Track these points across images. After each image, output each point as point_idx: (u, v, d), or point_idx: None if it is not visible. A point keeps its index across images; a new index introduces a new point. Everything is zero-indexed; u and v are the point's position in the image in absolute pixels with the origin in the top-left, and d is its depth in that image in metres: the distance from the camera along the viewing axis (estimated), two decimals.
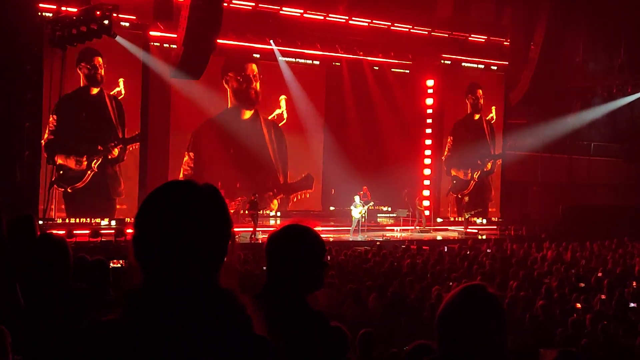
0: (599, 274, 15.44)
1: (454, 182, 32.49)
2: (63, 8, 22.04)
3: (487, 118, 32.99)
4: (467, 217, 30.31)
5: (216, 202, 2.21)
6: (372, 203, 26.90)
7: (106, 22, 19.84)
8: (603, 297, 12.30)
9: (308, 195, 31.39)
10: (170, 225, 2.11)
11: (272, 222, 28.91)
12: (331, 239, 23.62)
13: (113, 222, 24.14)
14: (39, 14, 22.46)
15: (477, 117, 32.79)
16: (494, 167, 33.13)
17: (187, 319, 2.06)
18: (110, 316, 2.14)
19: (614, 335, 10.02)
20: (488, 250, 20.42)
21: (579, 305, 11.77)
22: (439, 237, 27.18)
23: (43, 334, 4.29)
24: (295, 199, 31.08)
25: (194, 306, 2.08)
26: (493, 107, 33.02)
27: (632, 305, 12.06)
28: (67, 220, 23.53)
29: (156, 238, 2.11)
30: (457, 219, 31.59)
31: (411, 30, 30.51)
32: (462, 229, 29.39)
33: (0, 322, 3.79)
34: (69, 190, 24.03)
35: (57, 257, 4.54)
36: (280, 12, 27.77)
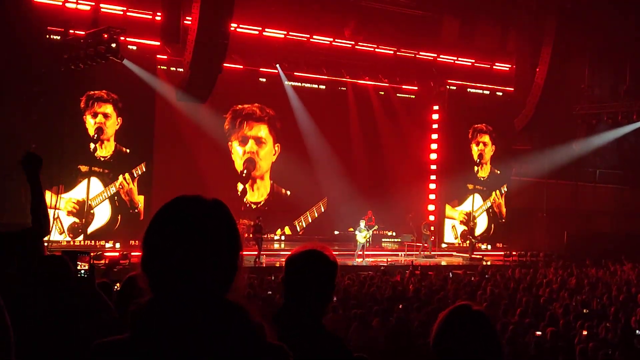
0: (604, 301, 15.37)
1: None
2: (71, 31, 22.20)
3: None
4: (473, 242, 30.23)
5: (224, 217, 2.20)
6: (376, 227, 26.89)
7: (113, 45, 19.97)
8: (608, 324, 12.22)
9: (316, 214, 31.43)
10: (179, 241, 2.10)
11: (276, 245, 28.88)
12: None
13: (117, 245, 24.09)
14: (47, 36, 22.67)
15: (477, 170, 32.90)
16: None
17: (197, 335, 2.05)
18: (118, 336, 2.13)
19: None
20: (487, 276, 20.34)
21: (584, 332, 11.69)
22: (443, 263, 27.09)
23: (42, 353, 4.29)
24: (301, 222, 31.14)
25: (203, 322, 2.07)
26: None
27: (638, 332, 11.98)
28: (71, 242, 23.54)
29: (164, 254, 2.11)
30: (462, 244, 31.50)
31: (417, 56, 30.63)
32: (467, 255, 29.29)
33: None
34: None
35: (58, 277, 4.55)
36: (287, 36, 27.90)
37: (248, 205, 29.52)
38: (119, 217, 24.93)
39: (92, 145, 24.44)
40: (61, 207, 23.53)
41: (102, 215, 24.73)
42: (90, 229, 24.46)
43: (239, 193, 29.56)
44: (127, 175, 25.04)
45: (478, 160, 32.74)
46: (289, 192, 30.54)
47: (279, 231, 30.19)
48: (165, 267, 2.10)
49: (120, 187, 24.96)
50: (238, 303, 2.14)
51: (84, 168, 24.29)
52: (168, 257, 2.10)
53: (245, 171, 29.63)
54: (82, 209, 24.23)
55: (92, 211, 24.49)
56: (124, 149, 24.94)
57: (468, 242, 30.48)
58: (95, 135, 24.39)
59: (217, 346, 2.06)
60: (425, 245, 28.88)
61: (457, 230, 32.13)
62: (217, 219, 2.18)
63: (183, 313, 2.07)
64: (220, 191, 27.80)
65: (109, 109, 24.56)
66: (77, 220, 24.16)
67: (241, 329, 2.10)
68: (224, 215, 2.20)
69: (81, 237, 24.15)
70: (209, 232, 2.13)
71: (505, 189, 33.30)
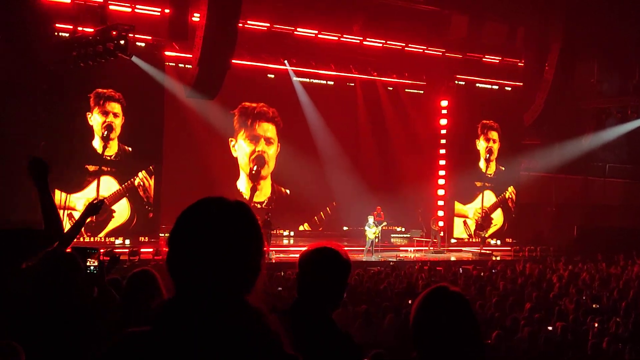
0: (615, 296, 15.32)
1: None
2: (79, 28, 22.23)
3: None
4: (483, 235, 30.18)
5: (247, 218, 2.24)
6: (385, 223, 26.88)
7: (122, 42, 19.97)
8: (618, 319, 12.18)
9: (323, 216, 31.43)
10: (203, 242, 2.15)
11: (285, 241, 28.90)
12: None
13: (127, 241, 24.13)
14: (56, 33, 22.70)
15: (484, 167, 32.88)
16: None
17: (218, 336, 2.09)
18: (142, 328, 2.17)
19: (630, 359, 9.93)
20: (494, 271, 20.30)
21: (596, 327, 11.67)
22: (452, 258, 27.06)
23: (53, 348, 4.30)
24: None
25: (224, 324, 2.11)
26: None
27: None
28: (81, 239, 23.59)
29: (189, 255, 2.16)
30: (471, 240, 31.45)
31: (425, 51, 30.57)
32: (477, 250, 29.25)
33: (12, 337, 3.80)
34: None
35: (66, 272, 4.57)
36: (295, 32, 27.89)
37: (252, 205, 29.39)
38: (136, 214, 24.98)
39: (100, 144, 24.40)
40: (78, 207, 23.48)
41: (121, 212, 24.77)
42: (109, 227, 24.49)
43: (247, 191, 29.57)
44: (144, 172, 25.04)
45: (487, 155, 32.66)
46: (288, 191, 30.43)
47: (286, 231, 30.13)
48: (189, 267, 2.16)
49: (139, 184, 24.98)
50: (258, 309, 2.19)
51: (91, 167, 24.25)
52: (192, 257, 2.15)
53: (255, 168, 29.60)
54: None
55: (112, 210, 24.51)
56: (127, 147, 24.79)
57: (479, 238, 30.45)
58: (105, 133, 24.36)
59: (234, 349, 2.09)
60: (435, 240, 28.87)
61: (470, 227, 32.04)
62: (240, 220, 2.22)
63: (204, 312, 2.11)
64: (229, 189, 27.87)
65: (117, 107, 24.54)
66: (94, 218, 24.16)
67: (259, 335, 2.13)
68: (247, 217, 2.25)
69: (103, 233, 24.19)
70: (232, 234, 2.18)
71: (516, 185, 33.22)
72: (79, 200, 23.71)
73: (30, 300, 4.27)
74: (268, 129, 29.79)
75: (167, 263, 2.20)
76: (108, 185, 24.51)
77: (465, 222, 31.99)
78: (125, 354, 2.12)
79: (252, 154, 29.56)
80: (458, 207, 32.12)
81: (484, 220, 32.14)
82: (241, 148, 29.45)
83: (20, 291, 4.27)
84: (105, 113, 24.34)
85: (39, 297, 4.36)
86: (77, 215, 23.32)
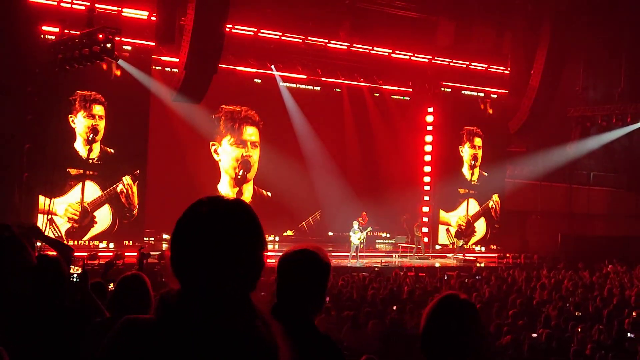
0: (597, 303, 15.39)
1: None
2: (66, 30, 22.14)
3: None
4: (460, 244, 30.23)
5: (247, 215, 2.28)
6: (370, 229, 26.88)
7: (109, 45, 19.90)
8: (601, 327, 12.25)
9: (311, 222, 31.38)
10: (206, 240, 2.18)
11: (270, 246, 28.73)
12: None
13: (112, 245, 24.03)
14: (42, 36, 22.62)
15: (468, 174, 32.98)
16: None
17: (222, 328, 2.13)
18: (145, 315, 2.23)
19: None
20: (478, 277, 20.35)
21: (579, 334, 11.73)
22: (437, 264, 27.10)
23: (38, 352, 4.28)
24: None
25: (229, 317, 2.15)
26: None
27: (630, 335, 12.01)
28: (66, 242, 23.42)
29: (193, 255, 2.19)
30: (455, 247, 31.52)
31: (412, 58, 30.63)
32: (460, 256, 29.31)
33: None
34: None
35: (52, 277, 4.54)
36: (282, 37, 27.89)
37: None
38: (117, 220, 24.85)
39: (84, 147, 24.26)
40: (59, 213, 23.39)
41: (103, 219, 24.64)
42: (91, 233, 24.36)
43: (232, 195, 29.48)
44: (128, 178, 24.93)
45: (472, 162, 32.77)
46: (269, 194, 30.28)
47: (271, 236, 30.02)
48: (192, 265, 2.19)
49: (122, 190, 24.86)
50: (259, 309, 2.25)
51: (74, 171, 24.07)
52: (196, 257, 2.18)
53: (240, 173, 29.48)
54: (81, 213, 24.09)
55: (93, 215, 24.39)
56: (109, 149, 24.66)
57: (460, 243, 30.46)
58: (91, 136, 24.25)
59: (237, 343, 2.13)
60: (419, 246, 28.90)
61: (452, 235, 32.10)
62: (240, 217, 2.26)
63: (208, 307, 2.14)
64: (211, 192, 27.69)
65: (102, 110, 24.42)
66: (75, 224, 24.00)
67: (257, 333, 2.18)
68: (247, 214, 2.29)
69: (85, 239, 24.03)
70: (235, 231, 2.22)
71: (500, 192, 33.34)
72: (61, 205, 23.59)
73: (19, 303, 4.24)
74: (253, 133, 29.70)
75: (171, 262, 2.22)
76: (91, 190, 24.37)
77: (448, 230, 32.07)
78: (130, 340, 2.16)
79: (238, 158, 29.42)
80: (442, 214, 32.18)
81: (467, 229, 32.24)
82: (226, 152, 29.28)
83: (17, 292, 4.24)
84: (92, 116, 24.24)
85: (23, 301, 4.34)
86: (57, 220, 23.25)
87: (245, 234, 2.24)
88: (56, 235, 23.08)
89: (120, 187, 24.81)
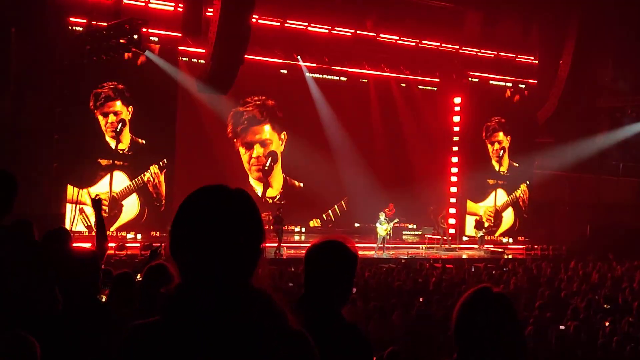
0: (627, 296, 15.23)
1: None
2: (93, 22, 22.26)
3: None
4: (480, 235, 29.95)
5: (247, 205, 2.27)
6: (397, 220, 26.82)
7: (136, 36, 19.97)
8: (630, 319, 12.12)
9: (338, 212, 31.37)
10: (204, 229, 2.18)
11: (296, 237, 28.87)
12: None
13: (139, 236, 24.19)
14: (70, 27, 22.77)
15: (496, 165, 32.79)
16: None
17: (225, 318, 2.12)
18: (150, 319, 2.22)
19: None
20: (505, 270, 20.21)
21: (607, 326, 11.61)
22: (464, 256, 26.98)
23: (71, 344, 4.32)
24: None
25: (230, 306, 2.13)
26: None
27: None
28: (93, 233, 23.62)
29: (191, 241, 2.19)
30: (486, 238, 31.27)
31: (439, 48, 30.48)
32: (488, 247, 29.12)
33: (30, 332, 3.79)
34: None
35: (86, 270, 4.59)
36: (308, 28, 27.85)
37: (264, 201, 29.28)
38: (146, 210, 25.01)
39: (112, 139, 24.45)
40: (88, 203, 23.56)
41: (130, 208, 24.83)
42: (118, 222, 24.55)
43: (260, 187, 29.53)
44: (155, 167, 25.08)
45: (501, 152, 32.58)
46: (302, 184, 30.30)
47: (297, 227, 30.08)
48: (191, 254, 2.19)
49: (149, 179, 25.03)
50: (262, 289, 2.21)
51: (104, 162, 24.30)
52: (194, 244, 2.19)
53: (267, 164, 29.50)
54: (110, 203, 24.28)
55: (122, 204, 24.60)
56: (140, 140, 24.91)
57: (479, 234, 30.16)
58: (119, 127, 24.40)
59: (242, 330, 2.11)
60: (444, 238, 28.76)
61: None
62: (240, 207, 2.25)
63: (210, 298, 2.14)
64: (241, 184, 27.83)
65: (128, 102, 24.57)
66: (105, 214, 24.13)
67: (265, 314, 2.16)
68: (247, 203, 2.27)
69: (112, 229, 24.17)
70: (233, 220, 2.21)
71: (529, 182, 33.16)
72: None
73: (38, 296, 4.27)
74: (263, 131, 29.61)
75: (171, 251, 2.23)
76: (119, 180, 24.56)
77: (476, 221, 31.89)
78: (136, 346, 2.16)
79: (262, 150, 29.40)
80: (470, 205, 32.01)
81: (495, 219, 32.05)
82: (249, 144, 29.29)
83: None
84: (116, 109, 24.42)
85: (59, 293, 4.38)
86: (87, 210, 23.43)
87: (242, 223, 2.22)
88: (86, 225, 23.31)
89: (147, 175, 24.96)
